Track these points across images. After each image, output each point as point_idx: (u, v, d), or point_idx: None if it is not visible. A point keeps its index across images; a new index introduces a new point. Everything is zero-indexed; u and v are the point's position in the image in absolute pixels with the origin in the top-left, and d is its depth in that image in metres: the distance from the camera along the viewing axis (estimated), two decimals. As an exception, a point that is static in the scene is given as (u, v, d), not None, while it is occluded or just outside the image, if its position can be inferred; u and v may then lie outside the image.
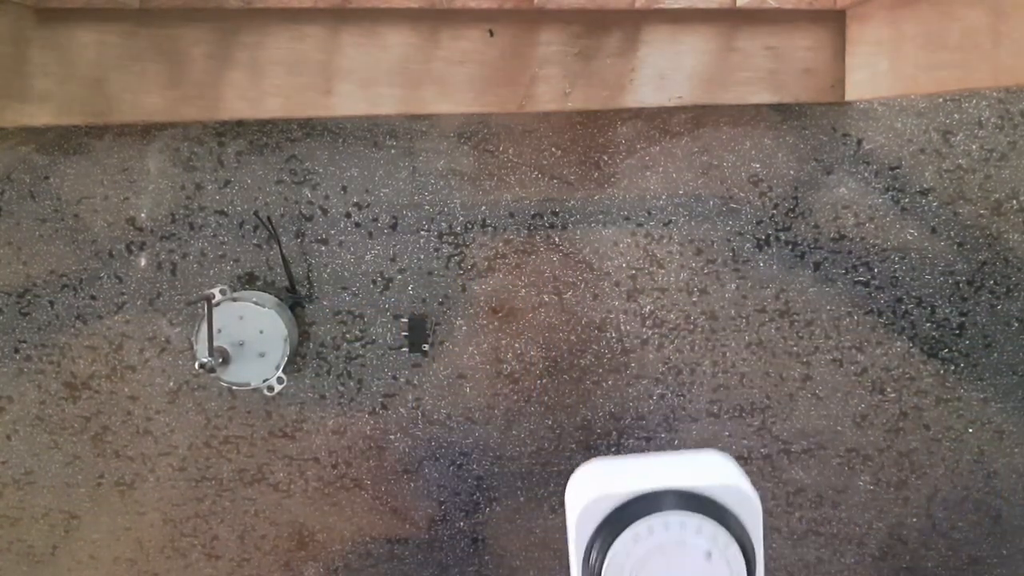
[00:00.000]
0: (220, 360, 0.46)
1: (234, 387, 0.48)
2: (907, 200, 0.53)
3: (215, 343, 0.45)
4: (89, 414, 0.51)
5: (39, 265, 0.50)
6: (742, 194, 0.52)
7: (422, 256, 0.51)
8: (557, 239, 0.52)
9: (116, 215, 0.50)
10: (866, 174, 0.53)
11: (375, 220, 0.51)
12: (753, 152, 0.52)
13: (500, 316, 0.52)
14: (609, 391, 0.53)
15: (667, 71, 0.48)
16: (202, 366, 0.44)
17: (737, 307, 0.53)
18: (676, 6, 0.46)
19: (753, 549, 0.28)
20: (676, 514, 0.27)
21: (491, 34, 0.46)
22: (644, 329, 0.53)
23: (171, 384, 0.51)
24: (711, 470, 0.30)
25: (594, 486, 0.29)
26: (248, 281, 0.51)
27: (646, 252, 0.52)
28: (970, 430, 0.55)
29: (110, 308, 0.50)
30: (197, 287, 0.50)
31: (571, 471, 0.53)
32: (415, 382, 0.52)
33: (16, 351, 0.50)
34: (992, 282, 0.54)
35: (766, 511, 0.54)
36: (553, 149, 0.51)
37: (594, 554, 0.27)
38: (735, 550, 0.27)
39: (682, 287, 0.53)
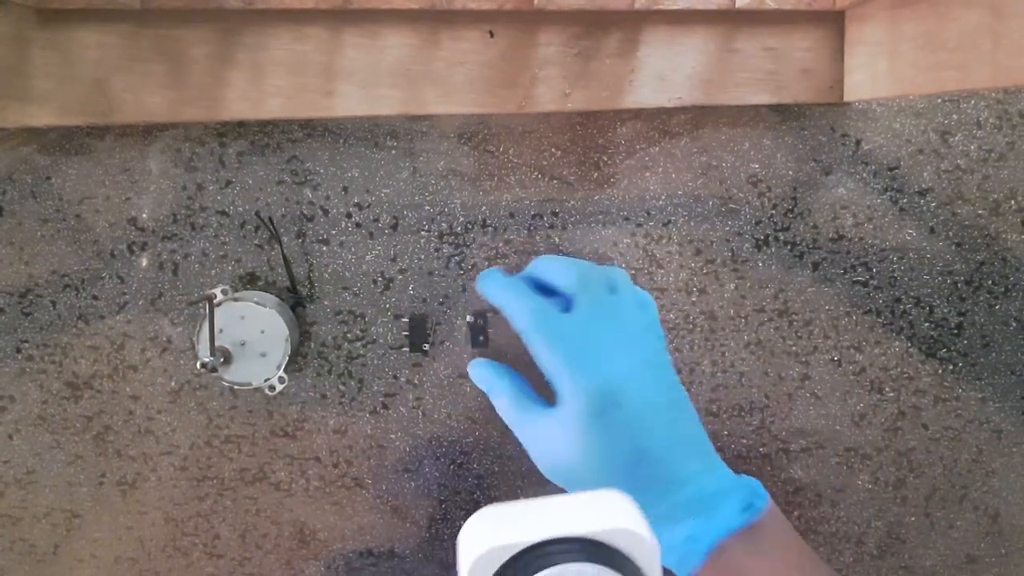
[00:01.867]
0: (222, 360, 0.46)
1: (235, 387, 0.48)
2: (905, 200, 0.53)
3: (216, 343, 0.46)
4: (91, 414, 0.51)
5: (41, 265, 0.50)
6: (741, 194, 0.52)
7: (423, 256, 0.51)
8: (557, 239, 0.52)
9: (118, 215, 0.50)
10: (865, 174, 0.53)
11: (376, 220, 0.51)
12: (752, 153, 0.52)
13: (500, 316, 0.52)
14: (609, 390, 0.53)
15: (666, 72, 0.48)
16: (204, 366, 0.44)
17: (736, 307, 0.53)
18: (675, 7, 0.46)
19: None
20: (572, 567, 0.26)
21: (491, 35, 0.47)
22: (644, 329, 0.53)
23: (173, 384, 0.51)
24: (608, 514, 0.29)
25: (485, 538, 0.27)
26: (249, 281, 0.51)
27: (645, 252, 0.52)
28: (968, 429, 0.55)
29: (112, 308, 0.50)
30: (199, 287, 0.51)
31: (571, 470, 0.54)
32: (416, 381, 0.52)
33: (18, 351, 0.50)
34: (990, 282, 0.54)
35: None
36: (553, 150, 0.51)
37: None
38: None
39: (681, 287, 0.53)
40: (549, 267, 0.40)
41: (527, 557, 0.26)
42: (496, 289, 0.40)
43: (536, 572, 0.26)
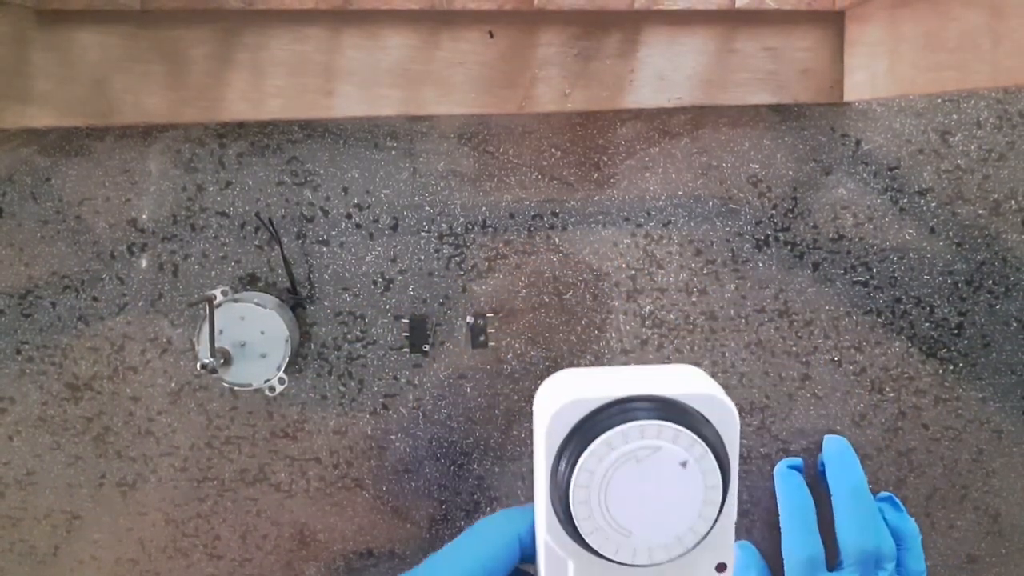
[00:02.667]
0: (222, 361, 0.46)
1: (235, 388, 0.48)
2: (906, 200, 0.53)
3: (217, 344, 0.46)
4: (91, 415, 0.51)
5: (41, 266, 0.50)
6: (741, 195, 0.52)
7: (423, 257, 0.51)
8: (557, 239, 0.52)
9: (118, 216, 0.50)
10: (865, 174, 0.53)
11: (376, 221, 0.51)
12: (752, 153, 0.52)
13: (500, 316, 0.52)
14: (609, 391, 0.53)
15: (666, 72, 0.48)
16: (204, 367, 0.44)
17: (736, 307, 0.53)
18: (675, 7, 0.46)
19: (728, 461, 0.27)
20: (653, 423, 0.25)
21: (491, 35, 0.47)
22: (644, 329, 0.53)
23: (173, 385, 0.51)
24: (687, 380, 0.28)
25: (566, 393, 0.27)
26: (249, 282, 0.51)
27: (646, 252, 0.52)
28: (969, 429, 0.55)
29: (112, 309, 0.50)
30: (199, 288, 0.51)
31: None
32: (416, 382, 0.52)
33: (18, 352, 0.50)
34: (991, 282, 0.54)
35: (765, 509, 0.54)
36: (553, 150, 0.51)
37: (564, 462, 0.26)
38: (711, 461, 0.26)
39: (682, 287, 0.53)
40: (846, 505, 0.49)
41: (608, 411, 0.26)
42: (783, 496, 0.51)
43: (616, 426, 0.25)
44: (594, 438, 0.26)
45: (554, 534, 0.28)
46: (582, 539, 0.26)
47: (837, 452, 0.51)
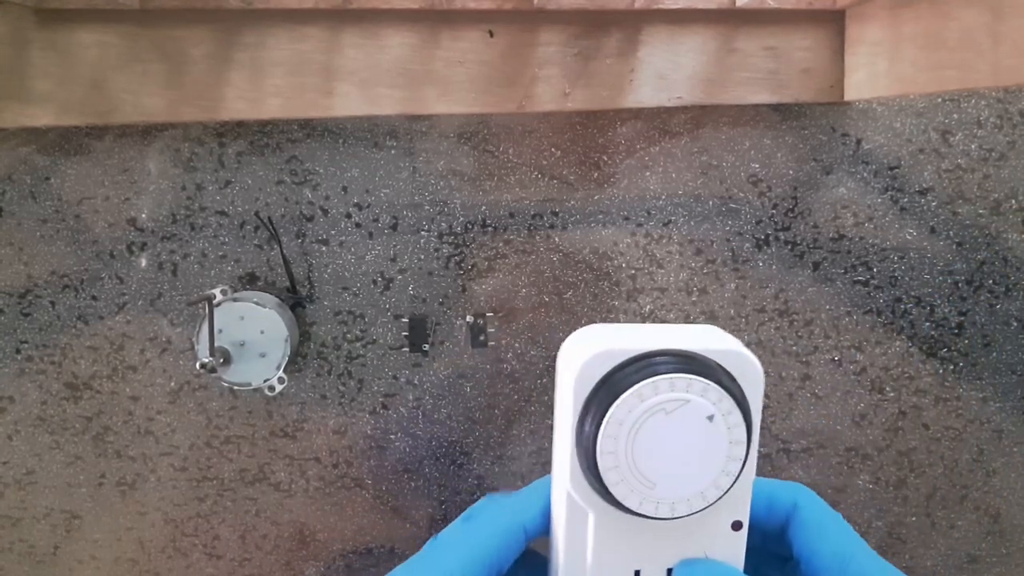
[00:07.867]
0: (221, 360, 0.46)
1: (235, 387, 0.48)
2: (906, 200, 0.53)
3: (216, 343, 0.46)
4: (90, 414, 0.51)
5: (40, 266, 0.50)
6: (741, 194, 0.52)
7: (422, 256, 0.51)
8: (557, 239, 0.52)
9: (117, 216, 0.50)
10: (865, 174, 0.53)
11: (375, 220, 0.51)
12: (752, 152, 0.52)
13: (500, 316, 0.52)
14: (609, 391, 0.53)
15: (666, 71, 0.48)
16: (203, 366, 0.44)
17: (736, 307, 0.53)
18: (675, 7, 0.46)
19: (752, 417, 0.27)
20: (683, 376, 0.26)
21: (491, 35, 0.46)
22: (644, 329, 0.53)
23: (172, 384, 0.51)
24: (711, 337, 0.29)
25: (594, 345, 0.27)
26: (249, 281, 0.51)
27: (645, 252, 0.52)
28: (969, 429, 0.55)
29: (111, 308, 0.50)
30: (198, 287, 0.51)
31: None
32: (415, 382, 0.52)
33: (17, 351, 0.50)
34: (991, 281, 0.54)
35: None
36: (553, 149, 0.51)
37: (591, 413, 0.26)
38: (737, 416, 0.26)
39: (681, 287, 0.53)
40: None
41: (636, 365, 0.26)
42: None
43: (644, 380, 0.26)
44: (623, 390, 0.26)
45: (577, 486, 0.28)
46: (606, 491, 0.26)
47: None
